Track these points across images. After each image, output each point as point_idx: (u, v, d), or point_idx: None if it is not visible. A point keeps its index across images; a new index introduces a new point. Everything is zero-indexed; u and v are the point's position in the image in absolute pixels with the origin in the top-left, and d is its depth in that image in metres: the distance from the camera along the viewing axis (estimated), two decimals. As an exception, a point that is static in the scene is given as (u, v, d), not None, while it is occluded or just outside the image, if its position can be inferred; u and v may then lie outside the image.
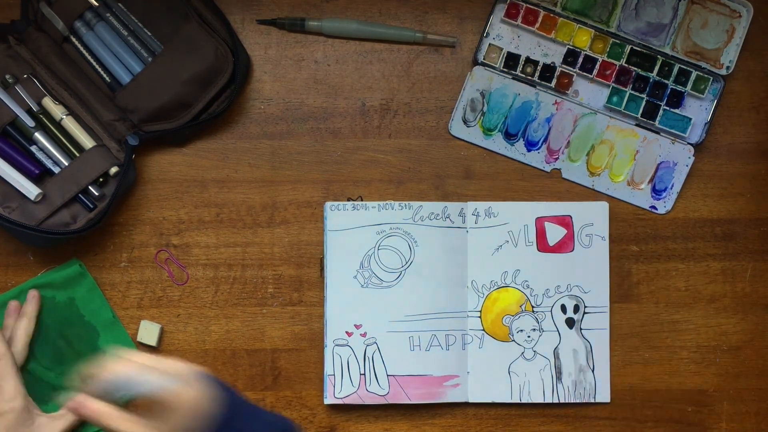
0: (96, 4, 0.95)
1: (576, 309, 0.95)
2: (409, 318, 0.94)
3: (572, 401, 0.94)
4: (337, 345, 0.93)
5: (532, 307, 0.95)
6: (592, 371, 0.95)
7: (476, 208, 0.95)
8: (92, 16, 0.95)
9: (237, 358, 0.95)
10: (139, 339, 0.94)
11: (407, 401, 0.93)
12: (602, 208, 0.96)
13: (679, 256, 0.97)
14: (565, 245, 0.95)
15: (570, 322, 0.95)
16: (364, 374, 0.93)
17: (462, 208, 0.95)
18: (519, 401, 0.94)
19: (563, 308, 0.95)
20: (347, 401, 0.93)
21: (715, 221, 0.97)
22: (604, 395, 0.95)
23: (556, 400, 0.95)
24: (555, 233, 0.95)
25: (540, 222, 0.95)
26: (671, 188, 0.96)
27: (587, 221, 0.95)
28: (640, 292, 0.96)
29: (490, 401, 0.94)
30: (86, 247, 0.95)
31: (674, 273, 0.97)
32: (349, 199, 0.95)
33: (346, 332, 0.94)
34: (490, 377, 0.94)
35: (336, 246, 0.94)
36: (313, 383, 0.95)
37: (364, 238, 0.94)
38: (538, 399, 0.95)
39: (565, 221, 0.95)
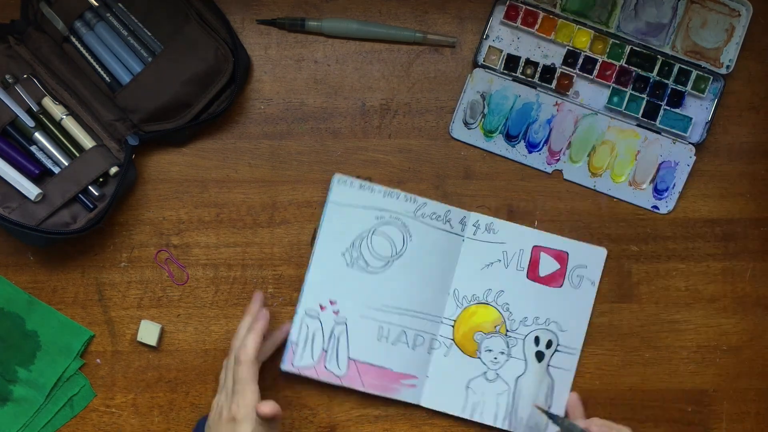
0: (96, 4, 0.95)
1: (549, 344, 0.94)
2: (385, 308, 0.93)
3: None
4: (308, 315, 0.93)
5: (507, 330, 0.94)
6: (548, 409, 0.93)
7: (478, 221, 0.94)
8: (92, 16, 0.95)
9: (237, 359, 0.95)
10: (139, 339, 0.94)
11: (361, 388, 0.93)
12: (599, 253, 0.95)
13: (679, 256, 0.97)
14: (554, 279, 0.95)
15: (540, 356, 0.94)
16: (327, 351, 0.93)
17: (464, 216, 0.94)
18: (470, 418, 0.93)
19: (536, 340, 0.94)
20: (303, 373, 0.92)
21: (715, 221, 0.97)
22: None
23: (506, 428, 0.93)
24: (548, 265, 0.95)
25: (536, 250, 0.95)
26: (673, 188, 0.96)
27: (581, 262, 0.95)
28: (640, 292, 0.96)
29: (440, 410, 0.93)
30: (86, 247, 0.95)
31: (674, 273, 0.97)
32: (358, 177, 0.94)
33: (320, 305, 0.93)
34: (448, 387, 0.93)
35: (333, 219, 0.93)
36: (314, 383, 0.95)
37: (363, 219, 0.94)
38: (488, 421, 0.93)
39: (561, 256, 0.95)
